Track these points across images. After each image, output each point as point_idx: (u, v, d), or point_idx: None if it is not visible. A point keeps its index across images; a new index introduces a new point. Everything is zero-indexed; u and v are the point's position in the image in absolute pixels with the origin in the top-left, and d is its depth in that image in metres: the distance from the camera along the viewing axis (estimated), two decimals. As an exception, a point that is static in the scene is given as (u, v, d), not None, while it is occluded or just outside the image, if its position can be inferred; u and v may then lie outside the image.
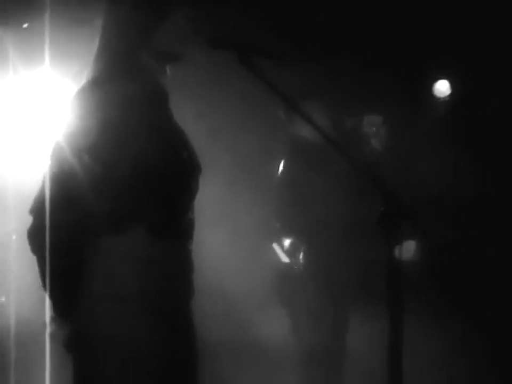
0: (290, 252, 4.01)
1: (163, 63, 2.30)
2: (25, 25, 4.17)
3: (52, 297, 2.20)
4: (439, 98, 5.26)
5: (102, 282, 2.14)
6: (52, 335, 2.26)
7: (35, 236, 2.16)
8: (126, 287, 2.12)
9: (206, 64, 3.21)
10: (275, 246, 4.07)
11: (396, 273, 1.90)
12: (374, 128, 4.20)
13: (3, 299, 4.09)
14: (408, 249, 4.34)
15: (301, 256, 3.97)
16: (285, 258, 4.03)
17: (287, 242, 4.03)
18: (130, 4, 2.25)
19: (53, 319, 2.23)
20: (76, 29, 3.76)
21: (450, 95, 5.21)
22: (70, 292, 2.16)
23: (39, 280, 2.19)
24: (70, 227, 2.12)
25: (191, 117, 2.52)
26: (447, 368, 4.53)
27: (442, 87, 5.23)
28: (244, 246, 4.40)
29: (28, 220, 2.21)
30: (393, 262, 1.90)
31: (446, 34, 4.78)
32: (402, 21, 4.75)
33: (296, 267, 3.98)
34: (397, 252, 1.90)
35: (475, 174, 4.81)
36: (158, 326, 2.14)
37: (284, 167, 4.09)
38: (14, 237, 4.06)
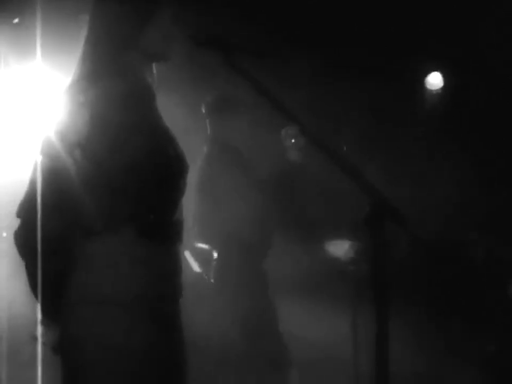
0: (202, 261, 3.80)
1: (150, 63, 2.30)
2: (16, 20, 4.15)
3: (41, 300, 2.18)
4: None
5: (90, 285, 2.13)
6: (41, 338, 2.25)
7: (24, 239, 2.15)
8: (114, 290, 2.12)
9: (192, 63, 3.19)
10: (187, 254, 3.80)
11: (382, 274, 1.90)
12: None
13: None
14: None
15: (212, 266, 3.76)
16: (196, 268, 3.83)
17: (199, 250, 3.81)
18: (118, 3, 2.24)
19: (42, 322, 2.22)
20: (67, 23, 3.74)
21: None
22: (58, 295, 2.15)
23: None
24: (60, 228, 2.11)
25: (176, 116, 2.51)
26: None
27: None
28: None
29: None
30: (379, 261, 1.89)
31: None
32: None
33: (206, 277, 3.80)
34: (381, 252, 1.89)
35: (462, 174, 4.83)
36: (145, 328, 2.13)
37: (200, 170, 3.87)
38: (4, 234, 4.04)
